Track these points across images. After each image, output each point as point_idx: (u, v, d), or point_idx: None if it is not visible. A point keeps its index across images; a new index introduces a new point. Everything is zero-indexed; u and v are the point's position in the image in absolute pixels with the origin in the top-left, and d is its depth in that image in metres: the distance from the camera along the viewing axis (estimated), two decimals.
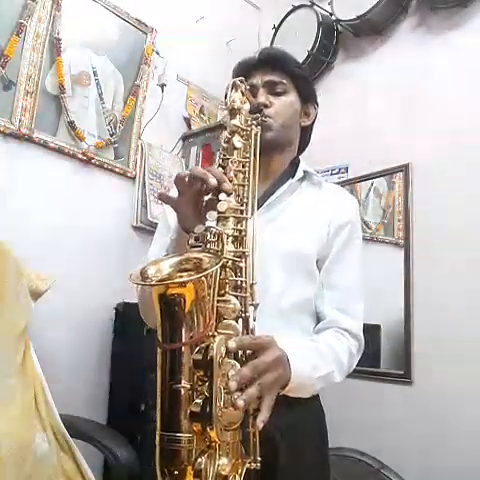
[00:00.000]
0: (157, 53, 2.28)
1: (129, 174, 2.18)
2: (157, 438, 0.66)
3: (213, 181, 0.79)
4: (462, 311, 1.77)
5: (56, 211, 1.90)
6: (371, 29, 2.27)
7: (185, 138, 2.44)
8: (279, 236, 0.99)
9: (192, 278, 0.68)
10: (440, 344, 1.81)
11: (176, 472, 0.65)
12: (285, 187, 1.06)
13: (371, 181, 2.20)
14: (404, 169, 2.07)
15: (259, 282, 0.82)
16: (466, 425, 1.70)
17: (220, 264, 0.71)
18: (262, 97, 1.04)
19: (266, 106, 1.03)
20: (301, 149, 1.16)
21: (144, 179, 2.20)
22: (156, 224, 2.10)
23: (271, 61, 1.08)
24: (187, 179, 0.83)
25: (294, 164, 1.11)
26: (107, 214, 2.10)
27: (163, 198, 0.91)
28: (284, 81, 1.07)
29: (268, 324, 0.90)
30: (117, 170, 2.14)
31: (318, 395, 1.02)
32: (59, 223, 1.90)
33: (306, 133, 1.15)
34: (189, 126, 2.46)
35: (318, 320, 1.03)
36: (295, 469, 0.92)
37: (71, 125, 1.95)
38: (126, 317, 2.01)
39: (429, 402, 1.80)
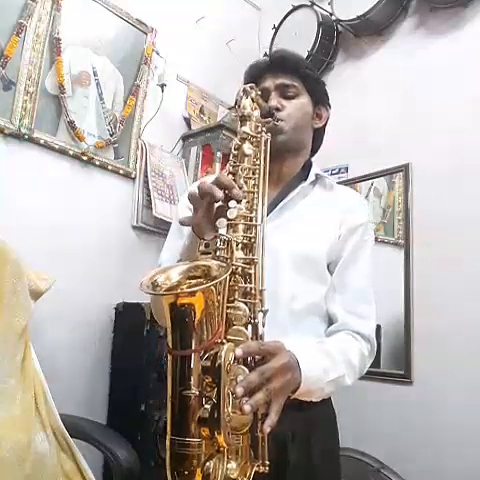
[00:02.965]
0: (157, 53, 2.28)
1: (129, 174, 2.18)
2: (167, 442, 0.68)
3: (219, 194, 0.80)
4: (462, 311, 1.77)
5: (56, 211, 1.90)
6: (371, 29, 2.27)
7: (185, 138, 2.44)
8: (290, 239, 1.00)
9: (202, 287, 0.68)
10: (440, 344, 1.81)
11: (186, 475, 0.66)
12: (297, 191, 1.06)
13: (371, 181, 2.20)
14: (404, 169, 2.07)
15: (271, 285, 0.83)
16: (466, 425, 1.69)
17: (229, 273, 0.72)
18: (274, 100, 1.05)
19: (278, 109, 1.04)
20: (314, 151, 1.17)
21: (145, 179, 2.20)
22: (160, 220, 2.14)
23: (282, 64, 1.08)
24: (197, 194, 0.83)
25: (306, 167, 1.12)
26: (107, 214, 2.10)
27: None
28: (296, 84, 1.07)
29: (280, 326, 0.92)
30: (117, 170, 2.14)
31: (330, 398, 1.02)
32: (59, 223, 1.90)
33: (319, 135, 1.16)
34: (189, 126, 2.46)
35: (330, 322, 1.03)
36: (305, 471, 0.92)
37: (71, 125, 1.95)
38: (126, 317, 2.01)
39: (429, 402, 1.80)
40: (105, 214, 2.09)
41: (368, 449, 1.83)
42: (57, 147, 1.92)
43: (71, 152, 1.97)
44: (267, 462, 0.74)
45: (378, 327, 1.95)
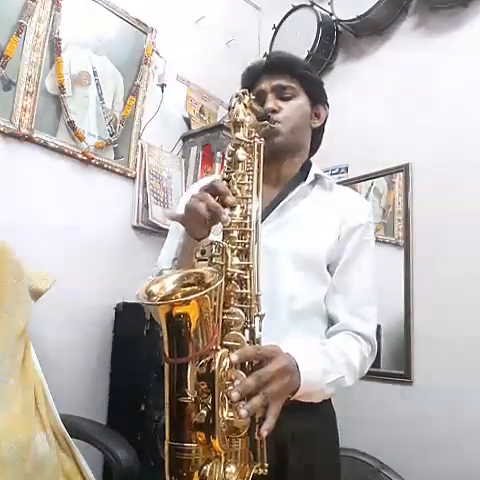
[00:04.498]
0: (157, 53, 2.28)
1: (129, 174, 2.18)
2: (166, 448, 0.69)
3: (225, 217, 0.80)
4: (462, 311, 1.77)
5: (56, 211, 1.90)
6: (371, 29, 2.27)
7: (185, 138, 2.44)
8: (289, 240, 1.00)
9: (195, 296, 0.69)
10: (440, 344, 1.81)
11: (184, 478, 0.68)
12: (296, 191, 1.06)
13: (371, 181, 2.20)
14: (404, 169, 2.07)
15: (271, 286, 0.83)
16: (466, 425, 1.70)
17: (222, 280, 0.73)
18: (270, 102, 1.05)
19: (275, 111, 1.03)
20: (313, 151, 1.16)
21: (145, 179, 2.20)
22: (156, 225, 2.14)
23: (279, 65, 1.08)
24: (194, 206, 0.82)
25: (306, 167, 1.11)
26: (107, 214, 2.10)
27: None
28: (293, 85, 1.07)
29: (280, 327, 0.92)
30: (117, 170, 2.14)
31: (330, 399, 1.02)
32: (59, 223, 1.90)
33: (317, 134, 1.15)
34: (189, 126, 2.46)
35: (330, 322, 1.03)
36: (305, 472, 0.93)
37: (71, 125, 1.95)
38: (126, 317, 2.01)
39: (429, 402, 1.80)
40: (105, 214, 2.09)
41: (368, 449, 1.83)
42: (57, 147, 1.92)
43: (71, 152, 1.97)
44: (266, 464, 0.75)
45: (378, 327, 1.94)
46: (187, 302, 0.69)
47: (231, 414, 0.69)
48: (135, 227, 2.18)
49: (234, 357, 0.71)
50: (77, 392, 1.89)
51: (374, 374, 1.91)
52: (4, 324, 1.43)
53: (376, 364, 1.96)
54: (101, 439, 1.50)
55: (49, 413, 1.45)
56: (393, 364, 1.96)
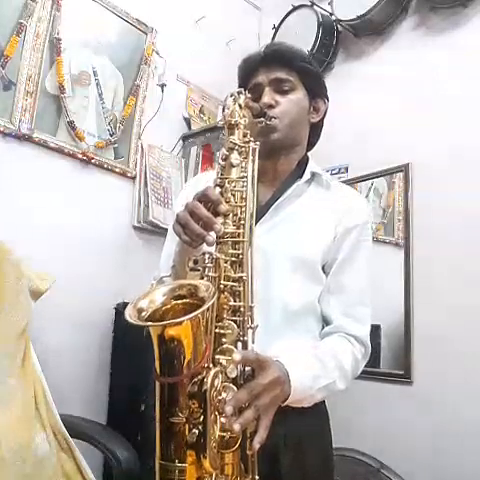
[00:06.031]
0: (157, 53, 2.28)
1: (129, 174, 2.18)
2: (156, 466, 0.68)
3: (210, 239, 0.79)
4: (462, 311, 1.77)
5: (56, 211, 1.90)
6: (371, 29, 2.27)
7: (185, 138, 2.44)
8: (284, 240, 0.98)
9: (188, 317, 0.67)
10: (440, 344, 1.81)
11: None
12: (291, 190, 1.03)
13: (371, 181, 2.20)
14: (404, 169, 2.07)
15: (265, 286, 0.82)
16: (466, 425, 1.69)
17: (214, 299, 0.71)
18: (267, 96, 1.01)
19: (271, 106, 1.00)
20: (311, 145, 1.13)
21: (145, 179, 2.20)
22: (157, 225, 2.14)
23: (277, 57, 1.04)
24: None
25: (302, 164, 1.08)
26: (107, 214, 2.10)
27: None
28: (291, 78, 1.03)
29: (275, 327, 0.92)
30: (117, 170, 2.13)
31: (324, 402, 1.01)
32: (59, 223, 1.90)
33: (316, 129, 1.12)
34: (189, 126, 2.46)
35: (325, 323, 1.02)
36: (298, 474, 0.92)
37: (71, 125, 1.95)
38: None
39: (429, 402, 1.79)
40: (105, 214, 2.09)
41: (368, 449, 1.83)
42: (57, 147, 1.92)
43: (71, 152, 1.97)
44: (257, 477, 0.75)
45: (378, 327, 1.96)
46: (179, 323, 0.67)
47: (223, 430, 0.68)
48: (135, 227, 2.18)
49: (237, 356, 0.71)
50: (77, 392, 1.89)
51: (374, 374, 1.91)
52: (4, 324, 1.43)
53: (376, 364, 1.97)
54: (101, 439, 1.50)
55: (49, 413, 1.45)
56: (393, 364, 1.96)
